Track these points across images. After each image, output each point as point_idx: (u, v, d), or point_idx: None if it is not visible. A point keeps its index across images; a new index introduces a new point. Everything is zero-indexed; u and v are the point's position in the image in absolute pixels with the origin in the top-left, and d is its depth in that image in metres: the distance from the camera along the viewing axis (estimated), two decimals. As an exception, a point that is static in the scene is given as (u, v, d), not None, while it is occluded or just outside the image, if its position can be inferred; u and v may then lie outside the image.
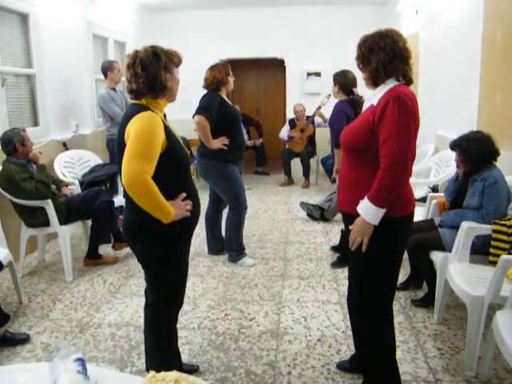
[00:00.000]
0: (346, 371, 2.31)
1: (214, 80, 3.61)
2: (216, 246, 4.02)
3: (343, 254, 3.77)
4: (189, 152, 2.12)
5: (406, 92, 1.78)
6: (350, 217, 1.89)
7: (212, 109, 3.55)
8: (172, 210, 1.81)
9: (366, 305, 1.97)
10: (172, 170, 1.91)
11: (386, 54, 1.81)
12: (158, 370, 1.26)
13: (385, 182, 1.74)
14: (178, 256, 2.00)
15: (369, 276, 1.92)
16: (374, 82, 1.88)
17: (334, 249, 4.10)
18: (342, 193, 2.00)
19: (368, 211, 1.78)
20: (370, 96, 1.92)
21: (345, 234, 3.97)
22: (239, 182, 3.77)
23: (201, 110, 3.54)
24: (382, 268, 1.90)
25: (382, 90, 1.83)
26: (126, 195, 1.90)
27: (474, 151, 2.70)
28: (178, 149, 1.93)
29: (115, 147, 2.02)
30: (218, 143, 3.59)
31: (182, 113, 5.38)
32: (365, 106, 1.97)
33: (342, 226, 3.87)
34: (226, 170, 3.69)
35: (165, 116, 2.06)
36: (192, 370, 2.30)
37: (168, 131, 1.89)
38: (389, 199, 1.76)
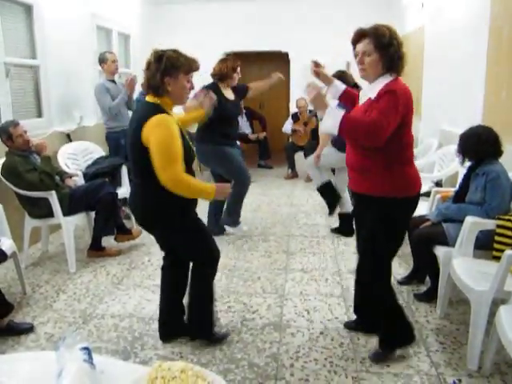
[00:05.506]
0: (352, 329, 2.62)
1: (219, 72, 3.92)
2: (213, 230, 3.93)
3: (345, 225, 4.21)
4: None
5: (402, 87, 1.97)
6: (361, 196, 2.20)
7: None
8: (212, 190, 2.14)
9: (379, 263, 2.23)
10: None
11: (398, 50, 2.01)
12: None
13: (362, 125, 1.92)
14: (191, 222, 2.31)
15: (378, 240, 2.17)
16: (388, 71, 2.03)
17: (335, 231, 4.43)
18: (353, 178, 2.24)
19: (330, 117, 1.93)
20: (366, 90, 2.11)
21: (353, 213, 4.10)
22: (237, 157, 4.06)
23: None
24: (388, 236, 2.18)
25: (379, 84, 2.00)
26: (138, 185, 2.22)
27: (470, 147, 2.74)
28: (184, 145, 2.14)
29: (126, 142, 2.24)
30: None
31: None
32: (361, 100, 2.14)
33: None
34: (222, 151, 3.96)
35: None
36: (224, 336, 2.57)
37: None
38: (349, 135, 1.98)
